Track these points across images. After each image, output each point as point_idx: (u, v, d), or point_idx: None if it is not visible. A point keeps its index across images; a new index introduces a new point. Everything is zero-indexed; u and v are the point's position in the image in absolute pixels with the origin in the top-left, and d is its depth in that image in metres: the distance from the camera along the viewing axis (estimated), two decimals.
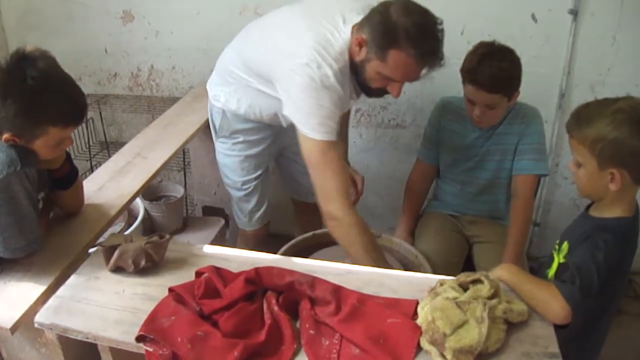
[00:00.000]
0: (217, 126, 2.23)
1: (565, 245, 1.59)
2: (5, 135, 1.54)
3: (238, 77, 2.05)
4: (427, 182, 2.43)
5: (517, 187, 2.20)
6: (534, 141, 2.17)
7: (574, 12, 2.46)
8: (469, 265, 2.32)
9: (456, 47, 2.65)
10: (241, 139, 2.20)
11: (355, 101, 2.05)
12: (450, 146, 2.29)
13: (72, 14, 3.07)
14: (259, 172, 2.30)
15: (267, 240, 2.51)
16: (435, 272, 1.95)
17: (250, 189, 2.31)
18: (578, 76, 2.61)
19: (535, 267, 2.92)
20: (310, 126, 1.78)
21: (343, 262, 1.93)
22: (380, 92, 1.91)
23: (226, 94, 2.13)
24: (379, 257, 1.83)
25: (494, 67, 1.97)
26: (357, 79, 1.88)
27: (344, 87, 1.82)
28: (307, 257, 2.11)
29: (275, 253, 1.88)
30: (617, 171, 1.44)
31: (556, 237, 2.99)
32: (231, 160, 2.26)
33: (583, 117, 1.49)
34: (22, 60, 1.53)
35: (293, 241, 2.17)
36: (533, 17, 2.54)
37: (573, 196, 2.90)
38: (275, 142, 2.29)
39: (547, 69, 2.63)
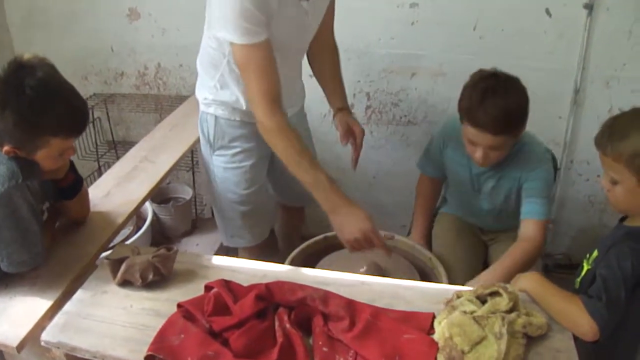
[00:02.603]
0: (211, 137, 2.09)
1: (595, 252, 1.54)
2: (6, 148, 1.51)
3: (217, 56, 1.94)
4: (435, 190, 2.32)
5: (523, 231, 1.95)
6: (538, 187, 1.95)
7: (589, 7, 2.40)
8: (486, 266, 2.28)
9: (469, 42, 2.63)
10: (239, 148, 2.08)
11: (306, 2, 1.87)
12: (455, 177, 2.17)
13: (78, 12, 3.03)
14: (262, 182, 2.22)
15: (267, 250, 2.46)
16: (451, 275, 1.93)
17: (256, 201, 2.21)
18: (593, 71, 2.55)
19: (550, 265, 2.91)
20: (230, 30, 1.70)
21: (355, 267, 1.92)
22: None
23: (216, 91, 2.00)
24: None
25: (499, 106, 1.76)
26: None
27: None
28: (318, 261, 2.08)
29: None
30: None
31: (571, 233, 3.01)
32: (233, 173, 2.12)
33: (616, 132, 1.43)
34: (20, 69, 1.48)
35: (304, 245, 2.14)
36: (547, 11, 2.48)
37: (587, 193, 2.86)
38: (266, 149, 2.12)
39: (562, 64, 2.57)
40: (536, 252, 1.91)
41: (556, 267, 2.98)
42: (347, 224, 1.73)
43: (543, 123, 2.67)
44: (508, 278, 1.79)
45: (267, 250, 2.41)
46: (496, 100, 1.77)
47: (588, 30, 2.45)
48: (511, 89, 1.81)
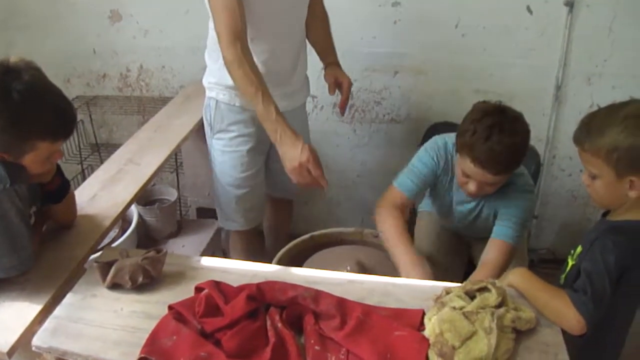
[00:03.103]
0: (211, 120, 2.18)
1: (578, 248, 1.56)
2: None
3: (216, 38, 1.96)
4: (404, 213, 2.04)
5: (487, 254, 1.90)
6: (515, 213, 1.89)
7: (570, 4, 2.44)
8: (471, 264, 2.30)
9: (451, 40, 2.65)
10: (236, 133, 2.16)
11: None
12: (439, 202, 2.13)
13: (59, 14, 3.01)
14: (258, 167, 2.27)
15: (259, 238, 2.50)
16: (436, 272, 1.92)
17: (252, 185, 2.26)
18: (574, 68, 2.59)
19: (535, 260, 2.94)
20: None
21: (343, 266, 1.93)
22: None
23: (219, 74, 2.05)
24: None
25: (504, 146, 1.68)
26: None
27: None
28: (305, 260, 2.09)
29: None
30: (637, 177, 1.41)
31: (554, 228, 3.04)
32: (230, 157, 2.20)
33: (593, 129, 1.45)
34: (6, 73, 1.46)
35: (290, 244, 2.15)
36: (528, 9, 2.51)
37: (570, 188, 2.89)
38: (265, 137, 2.18)
39: (543, 60, 2.61)
40: (496, 272, 1.83)
41: (540, 262, 3.01)
42: (288, 154, 1.79)
43: (525, 119, 2.71)
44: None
45: (258, 239, 2.48)
46: (503, 138, 1.69)
47: (569, 27, 2.48)
48: (518, 127, 1.75)
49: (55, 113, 1.51)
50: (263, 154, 2.28)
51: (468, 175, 1.81)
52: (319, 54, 2.33)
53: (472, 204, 2.02)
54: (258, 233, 2.48)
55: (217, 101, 2.14)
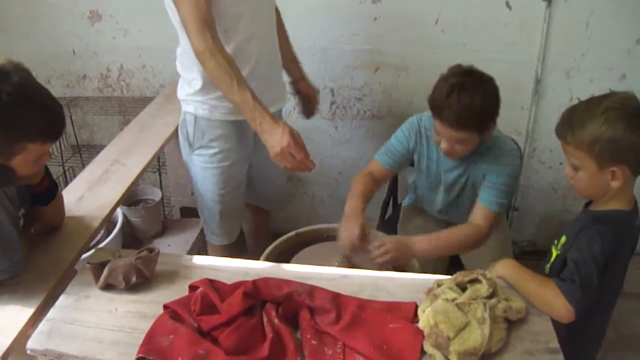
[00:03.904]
0: (190, 136, 2.12)
1: (562, 238, 1.60)
2: None
3: (188, 46, 1.93)
4: (377, 182, 2.15)
5: (473, 216, 1.97)
6: (501, 182, 1.95)
7: None
8: (455, 257, 2.33)
9: (430, 36, 2.68)
10: (217, 149, 2.11)
11: None
12: (426, 173, 2.15)
13: (38, 15, 2.98)
14: (240, 179, 2.25)
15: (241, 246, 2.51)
16: (422, 265, 1.96)
17: (235, 198, 2.25)
18: (553, 62, 2.63)
19: (516, 252, 2.98)
20: None
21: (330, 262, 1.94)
22: None
23: (196, 86, 2.01)
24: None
25: (463, 103, 1.77)
26: None
27: None
28: (291, 257, 2.10)
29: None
30: (618, 168, 1.45)
31: (535, 220, 3.08)
32: (212, 173, 2.16)
33: (574, 122, 1.48)
34: None
35: (277, 242, 2.15)
36: (507, 4, 2.54)
37: (550, 180, 2.94)
38: (247, 152, 2.22)
39: (522, 55, 2.64)
40: (478, 240, 1.94)
41: (522, 253, 3.06)
42: (269, 141, 1.77)
43: (506, 113, 2.70)
44: (442, 251, 1.94)
45: (237, 249, 2.45)
46: (461, 97, 1.77)
47: (547, 22, 2.52)
48: (480, 88, 1.81)
49: (45, 114, 1.50)
50: (244, 167, 2.25)
51: (439, 133, 1.90)
52: (285, 63, 2.27)
53: (460, 170, 2.06)
54: (236, 243, 2.46)
55: (195, 116, 2.07)
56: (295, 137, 1.77)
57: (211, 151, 2.11)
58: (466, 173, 2.06)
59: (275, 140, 1.76)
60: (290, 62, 2.27)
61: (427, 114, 2.00)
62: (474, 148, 1.95)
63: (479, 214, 1.95)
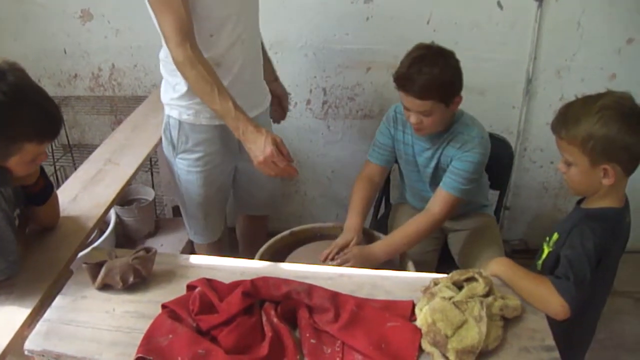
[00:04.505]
0: (175, 140, 2.09)
1: (555, 235, 1.61)
2: None
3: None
4: (376, 184, 2.26)
5: (431, 200, 2.06)
6: (463, 167, 2.00)
7: None
8: (445, 253, 2.34)
9: (423, 36, 2.65)
10: (202, 153, 2.09)
11: None
12: (405, 159, 2.21)
13: (29, 14, 2.95)
14: (223, 179, 2.24)
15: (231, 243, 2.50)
16: (403, 262, 2.01)
17: (219, 200, 2.25)
18: (544, 61, 2.65)
19: (507, 251, 2.99)
20: None
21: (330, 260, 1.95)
22: None
23: (180, 90, 1.99)
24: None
25: (424, 73, 1.85)
26: None
27: None
28: (285, 257, 2.10)
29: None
30: (610, 166, 1.47)
31: (526, 219, 3.10)
32: (197, 177, 2.14)
33: (569, 118, 1.51)
34: None
35: (271, 241, 2.15)
36: (499, 4, 2.55)
37: (541, 179, 2.96)
38: (231, 154, 2.20)
39: (514, 55, 2.66)
40: (433, 227, 2.04)
41: (513, 252, 3.08)
42: (254, 149, 1.78)
43: (497, 112, 2.77)
44: (402, 248, 2.01)
45: (223, 245, 2.46)
46: (422, 67, 1.86)
47: (539, 21, 2.54)
48: (439, 59, 1.90)
49: (41, 114, 1.49)
50: (230, 167, 2.24)
51: (406, 107, 1.96)
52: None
53: (430, 152, 2.10)
54: (223, 242, 2.48)
55: (179, 121, 2.05)
56: (279, 145, 1.78)
57: (195, 155, 2.09)
58: (435, 156, 2.10)
59: (258, 149, 1.77)
60: (265, 62, 2.25)
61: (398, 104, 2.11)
62: (444, 125, 2.02)
63: (439, 198, 2.03)
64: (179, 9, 1.73)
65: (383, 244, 2.01)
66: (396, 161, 2.27)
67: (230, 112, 1.77)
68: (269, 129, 2.24)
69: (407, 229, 2.02)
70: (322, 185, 3.22)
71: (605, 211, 1.55)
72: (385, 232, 2.23)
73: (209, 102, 1.80)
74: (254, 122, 1.80)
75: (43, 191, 1.73)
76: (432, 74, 1.85)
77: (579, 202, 1.66)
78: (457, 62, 1.94)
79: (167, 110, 2.09)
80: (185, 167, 2.13)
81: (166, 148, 2.17)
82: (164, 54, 1.96)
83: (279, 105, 2.38)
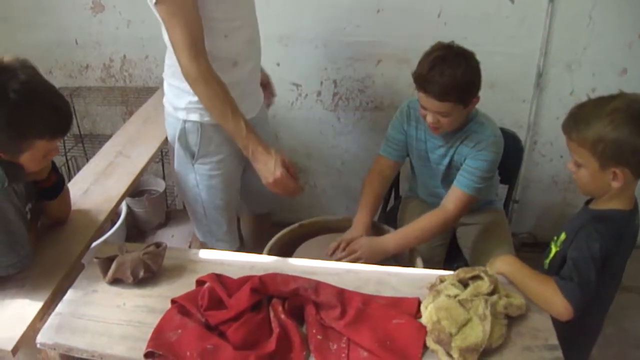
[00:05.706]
0: (193, 146, 2.01)
1: (562, 235, 1.62)
2: None
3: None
4: (387, 178, 2.26)
5: (445, 198, 2.06)
6: (477, 165, 2.00)
7: None
8: (453, 248, 2.35)
9: (433, 29, 2.68)
10: (225, 154, 2.04)
11: None
12: (417, 154, 2.21)
13: (41, 5, 2.97)
14: (239, 184, 2.23)
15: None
16: (412, 258, 2.01)
17: (234, 203, 2.24)
18: (555, 55, 2.63)
19: (516, 244, 3.00)
20: None
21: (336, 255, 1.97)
22: None
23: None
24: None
25: (445, 75, 1.83)
26: None
27: None
28: (294, 249, 2.12)
29: None
30: (619, 170, 1.46)
31: (536, 212, 3.10)
32: (220, 180, 2.08)
33: (580, 119, 1.49)
34: (1, 72, 1.45)
35: (279, 234, 2.16)
36: None
37: (551, 173, 2.95)
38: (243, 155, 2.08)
39: (524, 48, 2.64)
40: (446, 224, 2.05)
41: (522, 245, 3.08)
42: (264, 170, 1.81)
43: (507, 106, 2.76)
44: (413, 242, 2.01)
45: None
46: (444, 69, 1.84)
47: (550, 15, 2.52)
48: (461, 61, 1.87)
49: (52, 111, 1.51)
50: (241, 167, 2.20)
51: (424, 106, 1.96)
52: None
53: (443, 150, 2.11)
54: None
55: (201, 124, 1.96)
56: (288, 167, 1.80)
57: (217, 157, 2.04)
58: (449, 154, 2.10)
59: (268, 171, 1.79)
60: None
61: (414, 98, 2.09)
62: (459, 124, 2.02)
63: (453, 195, 2.03)
64: (192, 23, 1.70)
65: (395, 237, 2.02)
66: (408, 155, 2.27)
67: (242, 131, 1.78)
68: (266, 120, 2.30)
69: (420, 223, 2.03)
70: (332, 177, 3.23)
71: (613, 213, 1.54)
72: (394, 225, 2.25)
73: (222, 120, 1.80)
74: (263, 142, 1.81)
75: (55, 186, 1.76)
76: (453, 76, 1.84)
77: (588, 202, 1.65)
78: (477, 63, 1.92)
79: (183, 115, 1.98)
80: (207, 171, 2.07)
81: (181, 158, 2.08)
82: (171, 61, 1.89)
83: (265, 89, 2.30)
